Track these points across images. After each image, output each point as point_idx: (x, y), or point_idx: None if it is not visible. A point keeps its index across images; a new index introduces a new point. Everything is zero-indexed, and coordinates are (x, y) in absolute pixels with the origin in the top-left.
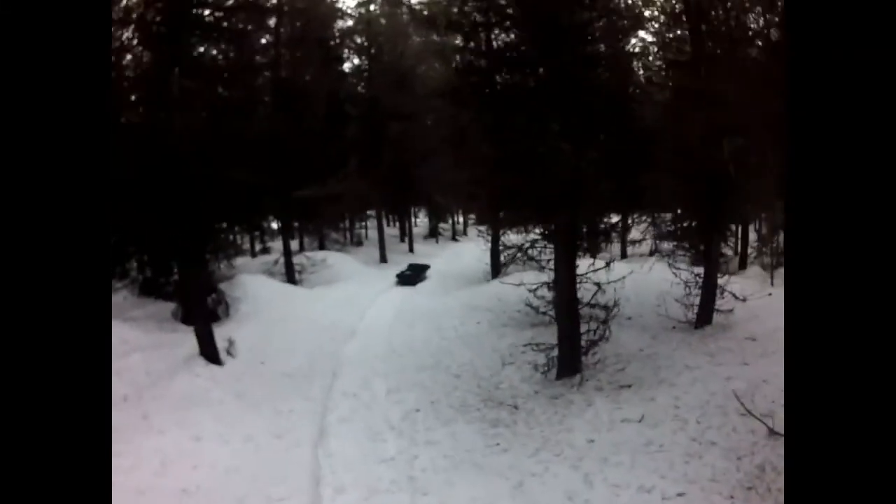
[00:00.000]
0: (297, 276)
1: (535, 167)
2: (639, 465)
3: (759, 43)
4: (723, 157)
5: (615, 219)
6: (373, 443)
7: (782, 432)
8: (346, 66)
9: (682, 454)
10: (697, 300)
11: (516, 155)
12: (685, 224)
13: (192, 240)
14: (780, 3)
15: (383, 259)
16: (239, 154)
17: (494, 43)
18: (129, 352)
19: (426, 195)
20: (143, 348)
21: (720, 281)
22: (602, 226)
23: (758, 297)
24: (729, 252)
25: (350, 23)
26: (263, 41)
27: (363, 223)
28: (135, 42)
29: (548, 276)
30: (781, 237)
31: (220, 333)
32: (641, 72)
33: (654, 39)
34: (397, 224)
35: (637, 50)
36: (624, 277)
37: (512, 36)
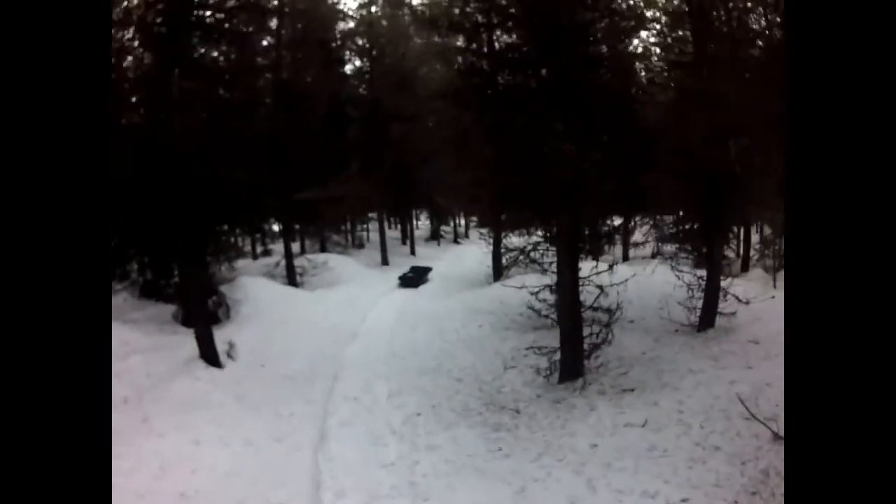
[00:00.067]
0: (298, 278)
1: (537, 167)
2: (642, 470)
3: (760, 44)
4: (729, 157)
5: (617, 221)
6: (374, 447)
7: None
8: (348, 68)
9: (685, 459)
10: (700, 303)
11: (518, 155)
12: (687, 226)
13: (192, 240)
14: (781, 3)
15: (385, 262)
16: (239, 155)
17: (496, 44)
18: (129, 354)
19: (428, 197)
20: (144, 350)
21: (723, 283)
22: (605, 228)
23: (761, 300)
24: (731, 254)
25: (351, 24)
26: (265, 43)
27: (364, 226)
28: (136, 43)
29: (550, 279)
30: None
31: (221, 336)
32: (643, 73)
33: (656, 40)
34: (399, 227)
35: (639, 51)
36: (626, 280)
37: (514, 37)
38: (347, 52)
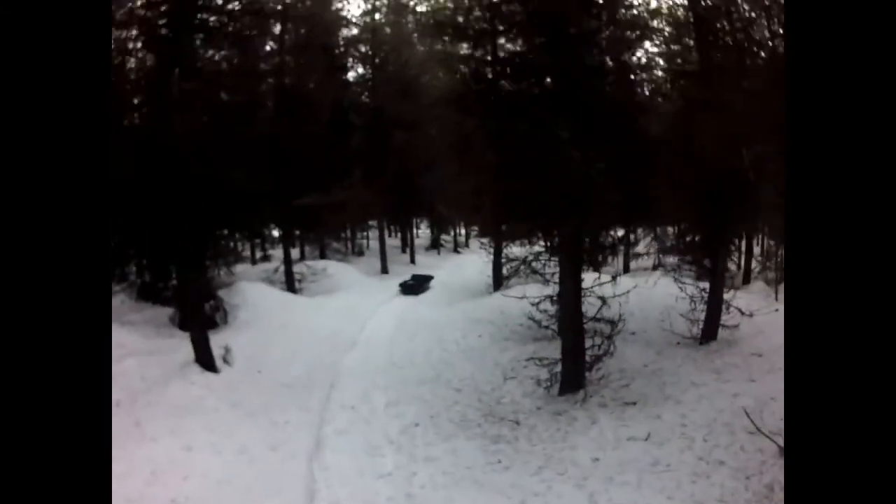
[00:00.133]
0: (297, 284)
1: (541, 174)
2: (645, 484)
3: (763, 55)
4: (742, 164)
5: (620, 232)
6: (370, 457)
7: None
8: (351, 76)
9: (689, 474)
10: (702, 315)
11: (522, 161)
12: (690, 238)
13: (190, 242)
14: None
15: (385, 270)
16: (239, 158)
17: (500, 52)
18: (124, 356)
19: (429, 206)
20: (139, 353)
21: (726, 296)
22: (609, 239)
23: (764, 313)
24: (732, 267)
25: (355, 31)
26: (268, 48)
27: (364, 233)
28: (139, 45)
29: (551, 290)
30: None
31: (218, 340)
32: (647, 84)
33: (661, 49)
34: (399, 235)
35: (644, 61)
36: (628, 292)
37: (518, 44)
38: (350, 60)
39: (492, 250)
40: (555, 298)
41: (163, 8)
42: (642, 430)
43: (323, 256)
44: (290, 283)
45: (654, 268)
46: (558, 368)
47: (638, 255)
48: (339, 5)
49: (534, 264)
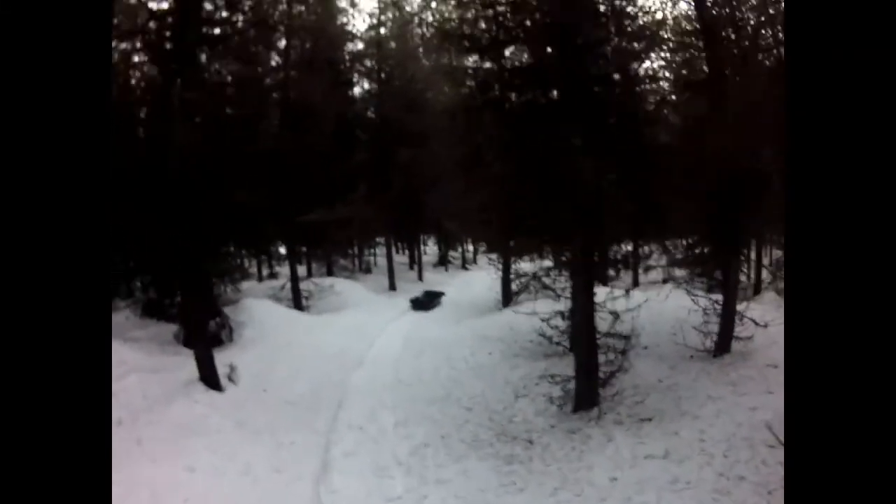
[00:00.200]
0: (303, 302)
1: (551, 185)
2: (665, 503)
3: (767, 63)
4: (760, 167)
5: (630, 246)
6: (379, 479)
7: None
8: (356, 91)
9: (710, 491)
10: (715, 328)
11: (531, 171)
12: (698, 250)
13: (194, 255)
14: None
15: (392, 287)
16: (243, 173)
17: (508, 62)
18: (126, 373)
19: (436, 222)
20: (142, 370)
21: (739, 307)
22: (622, 252)
23: (777, 323)
24: (743, 278)
25: (360, 46)
26: (273, 63)
27: (372, 250)
28: (144, 57)
29: (563, 305)
30: None
31: (223, 358)
32: (654, 94)
33: (669, 58)
34: (406, 252)
35: (652, 71)
36: (640, 306)
37: (526, 55)
38: (356, 74)
39: (500, 266)
40: (566, 314)
41: (168, 20)
42: (660, 447)
43: (330, 273)
44: (297, 301)
45: (664, 281)
46: (571, 385)
47: (649, 269)
48: (345, 20)
49: (544, 279)
